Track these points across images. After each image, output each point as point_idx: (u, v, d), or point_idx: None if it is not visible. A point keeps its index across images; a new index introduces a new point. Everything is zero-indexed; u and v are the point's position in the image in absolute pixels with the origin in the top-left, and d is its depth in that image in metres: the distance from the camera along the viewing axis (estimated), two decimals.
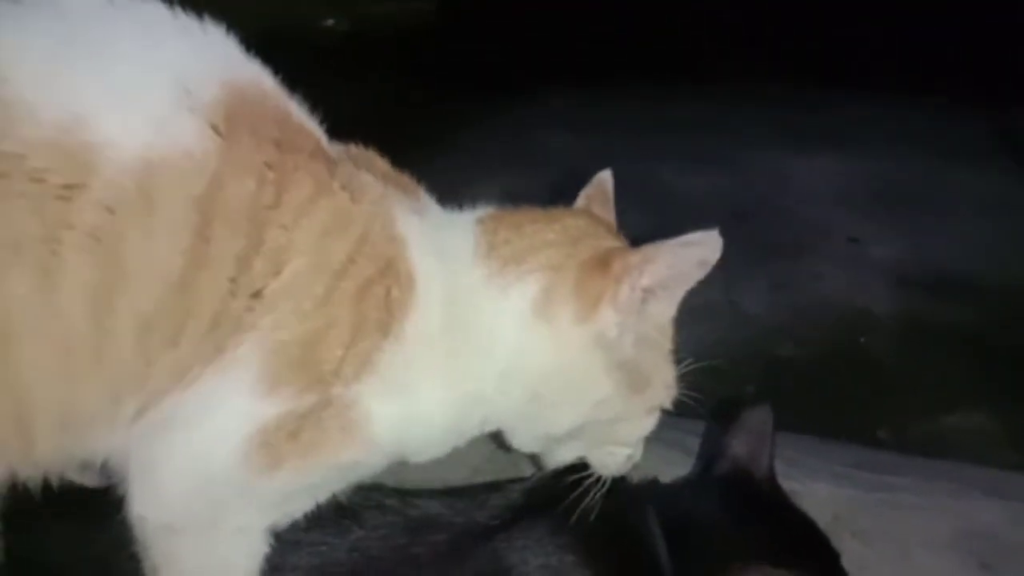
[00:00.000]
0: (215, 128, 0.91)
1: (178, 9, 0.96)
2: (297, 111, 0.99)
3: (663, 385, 1.09)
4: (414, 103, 3.52)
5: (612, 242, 1.09)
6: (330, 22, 4.66)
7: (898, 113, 3.61)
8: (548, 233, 1.06)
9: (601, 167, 1.23)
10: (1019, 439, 2.06)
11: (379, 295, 0.97)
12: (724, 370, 1.78)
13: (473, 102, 3.48)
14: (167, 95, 0.90)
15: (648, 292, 1.03)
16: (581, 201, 1.18)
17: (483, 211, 1.10)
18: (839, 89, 3.73)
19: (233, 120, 0.92)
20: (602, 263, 1.03)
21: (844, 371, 2.30)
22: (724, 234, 1.02)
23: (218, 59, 0.95)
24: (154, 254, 0.89)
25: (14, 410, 0.89)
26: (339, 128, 1.05)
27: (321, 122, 1.03)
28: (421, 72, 3.88)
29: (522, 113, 3.54)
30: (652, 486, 1.26)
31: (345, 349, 0.95)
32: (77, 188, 0.85)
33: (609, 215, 1.19)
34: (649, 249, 1.02)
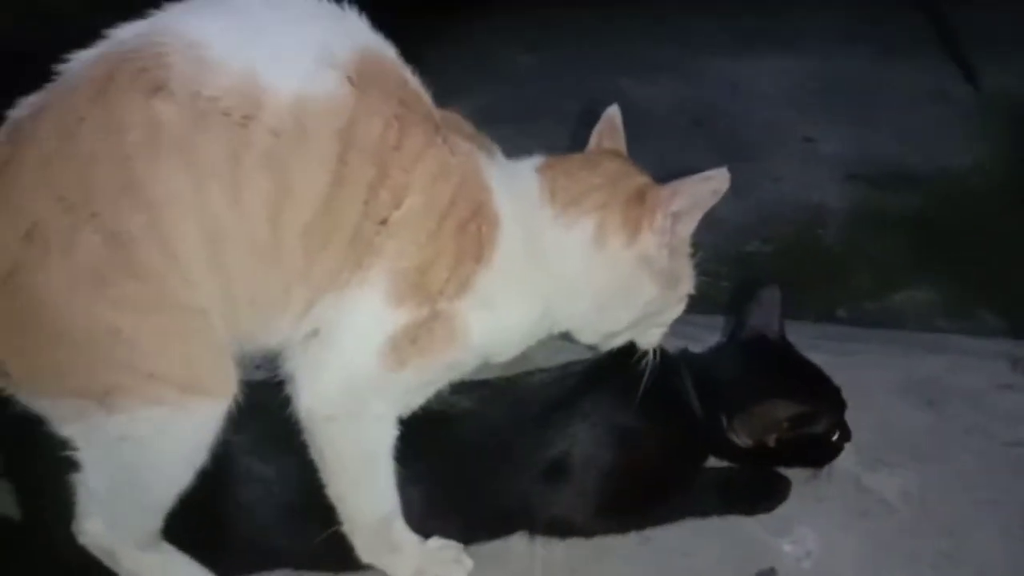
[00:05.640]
0: (350, 80, 1.13)
1: None
2: (413, 80, 1.22)
3: (688, 279, 1.39)
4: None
5: (641, 178, 1.34)
6: None
7: (839, 12, 3.70)
8: (594, 178, 1.32)
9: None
10: (955, 307, 2.25)
11: (473, 231, 1.22)
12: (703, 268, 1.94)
13: (431, 23, 3.46)
14: (315, 54, 1.13)
15: (676, 217, 1.29)
16: (594, 138, 1.44)
17: (539, 160, 1.36)
18: None
19: (364, 77, 1.14)
20: (639, 197, 1.30)
21: (805, 261, 2.43)
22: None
23: (353, 32, 1.18)
24: (308, 172, 1.12)
25: (225, 293, 1.14)
26: None
27: None
28: None
29: (481, 32, 3.55)
30: (684, 353, 1.56)
31: (450, 272, 1.20)
32: (252, 118, 1.09)
33: (620, 145, 1.43)
34: (675, 184, 1.29)
